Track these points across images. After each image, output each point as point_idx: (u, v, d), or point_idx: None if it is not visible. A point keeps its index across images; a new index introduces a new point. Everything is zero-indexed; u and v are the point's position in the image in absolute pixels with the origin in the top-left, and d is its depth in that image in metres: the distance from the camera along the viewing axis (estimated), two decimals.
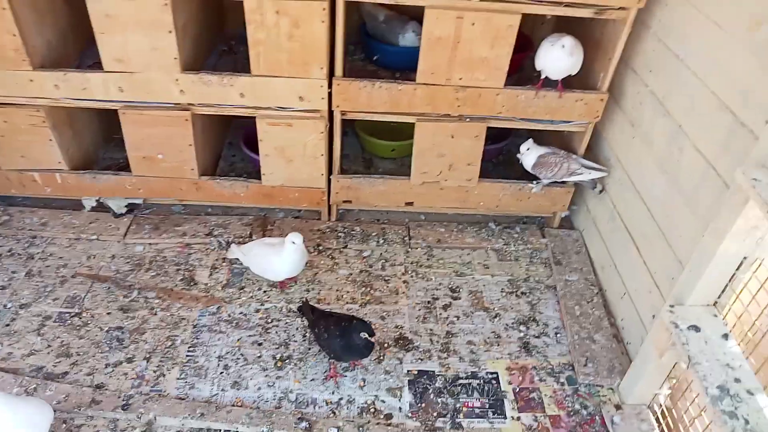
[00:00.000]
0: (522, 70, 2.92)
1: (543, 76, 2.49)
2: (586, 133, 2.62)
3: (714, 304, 1.85)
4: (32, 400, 1.75)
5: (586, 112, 2.53)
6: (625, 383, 2.13)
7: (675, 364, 1.95)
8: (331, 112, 2.52)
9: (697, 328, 1.77)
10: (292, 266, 2.35)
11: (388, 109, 2.51)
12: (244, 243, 2.54)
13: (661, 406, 2.04)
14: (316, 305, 2.30)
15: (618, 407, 2.10)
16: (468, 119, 2.55)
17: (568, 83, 2.51)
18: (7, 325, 2.25)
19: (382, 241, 2.78)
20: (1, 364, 2.11)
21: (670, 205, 2.12)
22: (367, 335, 1.98)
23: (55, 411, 1.95)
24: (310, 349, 2.25)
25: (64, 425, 1.92)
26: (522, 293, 2.57)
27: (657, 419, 2.04)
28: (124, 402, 2.00)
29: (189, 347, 2.23)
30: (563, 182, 2.74)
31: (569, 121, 2.58)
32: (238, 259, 2.50)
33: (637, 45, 2.41)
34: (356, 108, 2.51)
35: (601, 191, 2.67)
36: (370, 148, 3.18)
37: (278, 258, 2.32)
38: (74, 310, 2.33)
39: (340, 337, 2.03)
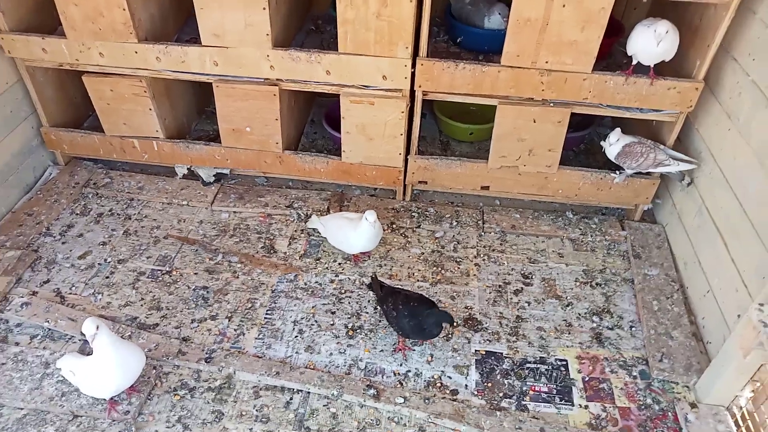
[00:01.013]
0: (611, 56, 2.83)
1: (634, 62, 2.41)
2: (677, 123, 2.51)
3: None
4: (130, 345, 1.91)
5: (679, 101, 2.43)
6: (703, 382, 2.05)
7: (760, 366, 1.87)
8: (412, 92, 2.55)
9: None
10: (366, 242, 2.41)
11: (471, 90, 2.51)
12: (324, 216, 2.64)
13: (741, 408, 1.96)
14: (385, 281, 2.35)
15: (693, 406, 2.03)
16: (552, 104, 2.51)
17: (661, 70, 2.42)
18: (107, 277, 2.45)
19: (455, 224, 2.79)
20: (102, 312, 2.30)
21: (766, 201, 2.01)
22: (448, 325, 2.03)
23: (146, 357, 2.12)
24: (380, 321, 2.31)
25: (154, 371, 2.08)
26: (597, 284, 2.52)
27: (736, 422, 1.96)
28: (207, 355, 2.14)
29: (267, 310, 2.35)
30: (648, 173, 2.65)
31: (660, 110, 2.49)
32: (316, 229, 2.59)
33: (739, 31, 2.28)
34: (438, 89, 2.53)
35: (689, 184, 2.56)
36: (448, 131, 3.19)
37: (354, 232, 2.39)
38: (165, 268, 2.50)
39: (410, 317, 2.08)
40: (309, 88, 2.59)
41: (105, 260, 2.52)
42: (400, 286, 2.30)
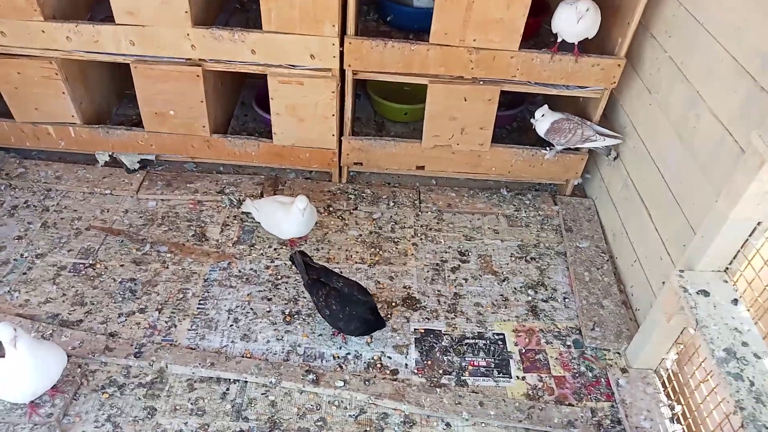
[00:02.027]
0: (539, 35, 2.87)
1: (559, 40, 2.45)
2: (601, 99, 2.58)
3: (725, 270, 1.84)
4: (48, 344, 1.79)
5: (603, 78, 2.49)
6: (632, 347, 2.14)
7: (683, 329, 1.96)
8: (342, 72, 2.50)
9: (706, 293, 1.77)
10: (299, 227, 2.36)
11: (401, 69, 2.48)
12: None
13: (667, 370, 2.05)
14: (312, 262, 2.20)
15: (624, 371, 2.11)
16: (482, 82, 2.52)
17: (585, 48, 2.47)
18: (24, 273, 2.29)
19: (392, 204, 2.78)
20: (19, 311, 2.15)
21: (685, 172, 2.10)
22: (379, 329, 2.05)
23: (69, 356, 2.00)
24: None
25: (79, 369, 1.97)
26: (531, 258, 2.57)
27: (663, 383, 2.05)
28: (137, 350, 2.05)
29: (200, 300, 2.26)
30: (577, 149, 2.72)
31: (585, 87, 2.54)
32: (250, 213, 2.52)
33: (656, 9, 2.35)
34: (368, 68, 2.48)
35: (615, 158, 2.64)
36: (382, 111, 3.16)
37: (286, 217, 2.33)
38: (88, 261, 2.36)
39: (343, 321, 2.03)
40: (234, 68, 2.49)
41: (21, 255, 2.36)
42: (325, 269, 2.17)
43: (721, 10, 1.95)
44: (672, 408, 1.97)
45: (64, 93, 2.54)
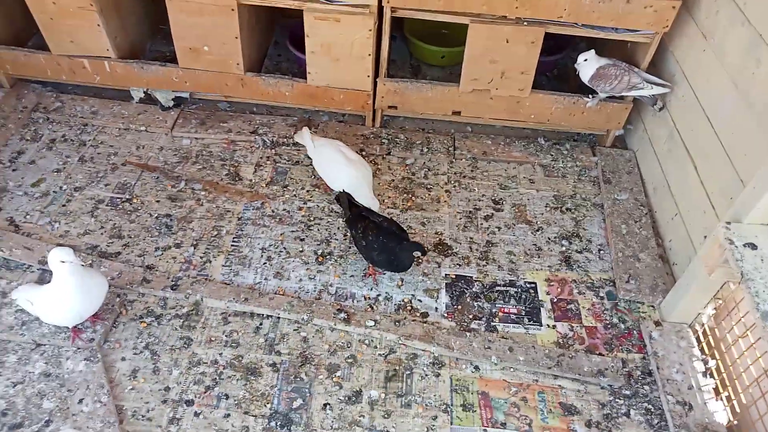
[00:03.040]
0: None
1: None
2: (651, 44, 2.45)
3: None
4: (92, 271, 1.84)
5: (655, 21, 2.36)
6: (668, 301, 2.11)
7: (723, 284, 1.91)
8: (380, 9, 2.42)
9: (753, 246, 1.71)
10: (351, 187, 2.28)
11: (442, 7, 2.39)
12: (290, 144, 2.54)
13: (703, 325, 2.02)
14: (355, 202, 2.23)
15: (658, 324, 2.08)
16: (525, 23, 2.42)
17: None
18: (63, 205, 2.33)
19: (426, 150, 2.73)
20: (60, 240, 2.20)
21: (738, 122, 2.00)
22: (420, 254, 2.01)
23: (109, 286, 2.05)
24: (350, 248, 2.28)
25: (118, 299, 2.02)
26: (567, 209, 2.52)
27: (697, 338, 2.02)
28: (173, 283, 2.09)
29: (234, 238, 2.29)
30: (621, 98, 2.61)
31: (635, 30, 2.42)
32: (300, 143, 2.51)
33: None
34: (407, 5, 2.40)
35: (661, 108, 2.53)
36: (418, 54, 3.07)
37: (347, 177, 2.26)
38: (125, 195, 2.39)
39: (379, 251, 2.03)
40: (270, 2, 2.43)
41: (60, 188, 2.40)
42: (367, 208, 2.21)
43: None
44: (705, 362, 1.95)
45: (99, 25, 2.52)
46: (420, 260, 2.24)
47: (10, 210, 2.29)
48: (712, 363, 1.94)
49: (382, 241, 2.04)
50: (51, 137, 2.59)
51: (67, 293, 1.72)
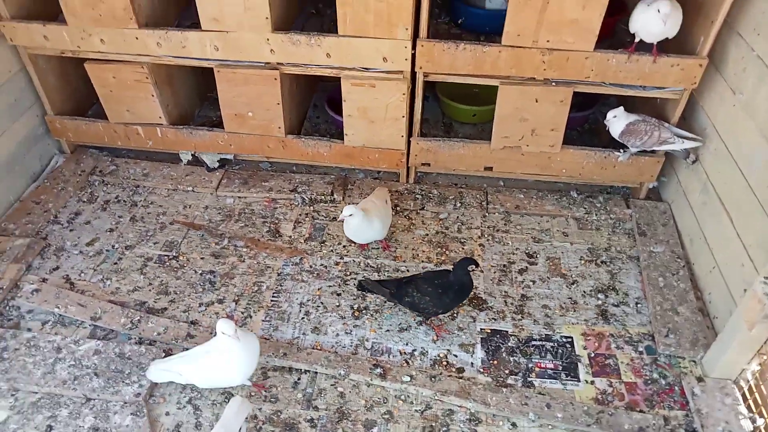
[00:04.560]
0: (615, 35, 2.82)
1: (637, 40, 2.39)
2: (681, 100, 2.50)
3: None
4: (250, 335, 1.93)
5: (683, 78, 2.42)
6: (710, 356, 2.06)
7: (767, 339, 1.87)
8: (413, 74, 2.55)
9: None
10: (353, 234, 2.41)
11: (472, 71, 2.50)
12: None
13: (748, 382, 1.96)
14: (380, 280, 2.28)
15: (700, 379, 2.04)
16: (554, 83, 2.50)
17: (664, 47, 2.40)
18: (115, 263, 2.47)
19: (459, 205, 2.79)
20: (111, 297, 2.33)
21: None
22: (474, 267, 2.09)
23: (155, 341, 2.15)
24: (385, 302, 2.33)
25: (164, 354, 2.10)
26: (602, 262, 2.52)
27: (743, 395, 1.96)
28: None
29: (273, 293, 2.37)
30: (653, 152, 2.64)
31: (663, 87, 2.47)
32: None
33: (744, 6, 2.25)
34: (439, 70, 2.52)
35: (694, 162, 2.54)
36: (450, 113, 3.18)
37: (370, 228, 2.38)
38: (172, 253, 2.52)
39: (443, 290, 2.09)
40: (310, 71, 2.59)
41: (113, 246, 2.54)
42: (397, 278, 2.25)
43: None
44: (753, 421, 1.89)
45: (153, 96, 2.72)
46: (475, 270, 2.21)
47: (66, 268, 2.44)
48: (760, 421, 1.87)
49: (436, 283, 2.10)
50: (105, 198, 2.77)
51: (230, 359, 1.85)
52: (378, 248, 2.56)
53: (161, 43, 2.55)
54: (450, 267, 2.38)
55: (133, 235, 2.60)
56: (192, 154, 2.93)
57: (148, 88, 2.70)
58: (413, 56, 2.47)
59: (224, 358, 1.85)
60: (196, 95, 3.14)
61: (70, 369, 2.03)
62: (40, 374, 2.01)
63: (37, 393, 1.99)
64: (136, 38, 2.55)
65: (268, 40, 2.48)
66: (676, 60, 2.37)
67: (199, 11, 2.44)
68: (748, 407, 1.93)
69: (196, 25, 2.52)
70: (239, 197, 2.81)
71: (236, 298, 2.34)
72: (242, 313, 2.29)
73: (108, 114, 2.83)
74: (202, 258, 2.50)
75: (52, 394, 1.98)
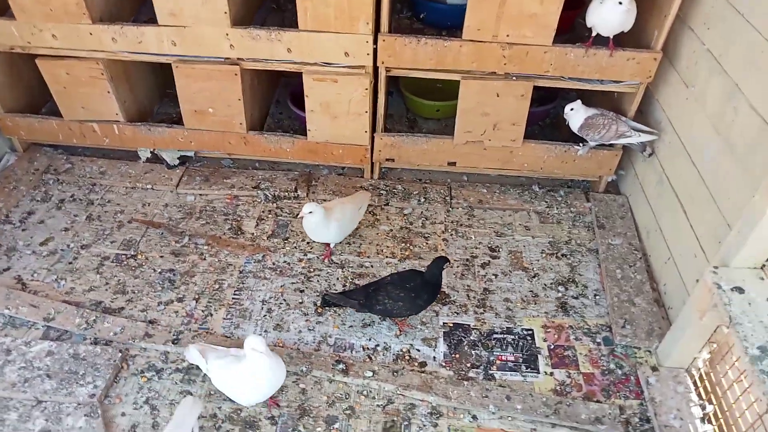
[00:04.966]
0: (573, 30, 2.84)
1: (594, 34, 2.43)
2: (637, 94, 2.54)
3: (762, 267, 1.79)
4: (277, 357, 1.86)
5: (638, 72, 2.46)
6: (664, 346, 2.11)
7: (716, 328, 1.92)
8: (376, 69, 2.54)
9: (741, 290, 1.73)
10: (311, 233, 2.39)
11: (434, 66, 2.50)
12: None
13: (699, 370, 2.01)
14: (343, 292, 2.25)
15: (655, 369, 2.08)
16: (514, 77, 2.52)
17: (620, 42, 2.44)
18: (70, 263, 2.41)
19: (423, 200, 2.80)
20: (66, 297, 2.27)
21: (721, 167, 2.06)
22: (448, 265, 2.12)
23: (111, 341, 2.10)
24: None
25: (120, 354, 2.06)
26: (562, 255, 2.55)
27: (694, 383, 2.01)
28: (175, 337, 2.13)
29: (235, 291, 2.34)
30: (611, 145, 2.68)
31: (620, 81, 2.51)
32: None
33: (695, 1, 2.30)
34: (401, 65, 2.52)
35: (650, 155, 2.60)
36: (414, 108, 3.18)
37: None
38: (130, 252, 2.47)
39: (414, 292, 2.09)
40: (271, 66, 2.56)
41: (68, 246, 2.48)
42: (363, 285, 2.24)
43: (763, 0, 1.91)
44: (703, 408, 1.93)
45: (109, 92, 2.66)
46: (448, 267, 2.21)
47: (18, 269, 2.37)
48: (709, 408, 1.92)
49: (408, 286, 2.10)
50: (60, 197, 2.70)
51: (257, 376, 1.80)
52: (341, 244, 2.55)
53: (116, 38, 2.49)
54: (415, 266, 2.40)
55: (89, 234, 2.54)
56: (151, 152, 2.88)
57: (104, 85, 2.64)
58: (375, 51, 2.46)
59: (249, 372, 1.79)
60: (154, 91, 3.08)
61: (20, 371, 1.97)
62: None
63: None
64: (90, 33, 2.48)
65: (227, 35, 2.45)
66: (632, 54, 2.41)
67: (156, 6, 2.39)
68: (699, 394, 1.98)
69: (153, 20, 2.47)
70: (200, 194, 2.76)
71: (197, 297, 2.31)
72: (203, 311, 2.26)
73: (62, 111, 2.76)
74: (161, 256, 2.46)
75: (0, 397, 1.92)
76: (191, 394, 1.98)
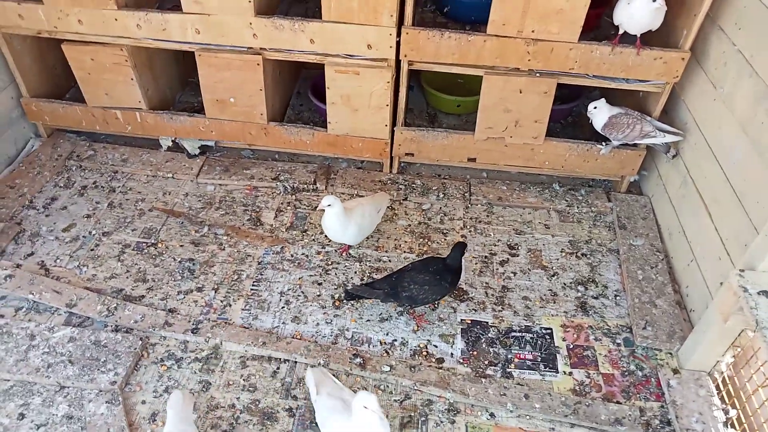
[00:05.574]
0: (599, 28, 2.81)
1: (621, 32, 2.39)
2: (663, 93, 2.51)
3: None
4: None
5: (665, 72, 2.43)
6: (685, 348, 2.09)
7: (741, 332, 1.90)
8: (398, 62, 2.53)
9: None
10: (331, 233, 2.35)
11: (456, 60, 2.48)
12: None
13: (722, 373, 1.99)
14: (366, 283, 2.25)
15: (676, 371, 2.06)
16: (538, 74, 2.50)
17: (647, 41, 2.41)
18: (92, 250, 2.43)
19: (442, 196, 2.79)
20: (87, 284, 2.29)
21: (749, 169, 2.02)
22: (465, 249, 2.13)
23: (132, 329, 2.12)
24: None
25: (140, 342, 2.08)
26: (582, 254, 2.53)
27: (717, 387, 1.99)
28: (194, 326, 2.14)
29: (254, 282, 2.34)
30: (635, 145, 2.65)
31: (646, 81, 2.48)
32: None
33: (726, 0, 2.26)
34: (424, 58, 2.50)
35: (674, 156, 2.56)
36: (435, 103, 3.16)
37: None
38: (151, 240, 2.48)
39: (440, 274, 2.09)
40: (293, 57, 2.55)
41: (89, 233, 2.50)
42: (385, 276, 2.22)
43: None
44: (726, 412, 1.91)
45: (132, 79, 2.67)
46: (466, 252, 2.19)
47: (41, 254, 2.39)
48: (732, 413, 1.90)
49: (431, 270, 2.10)
50: (83, 184, 2.72)
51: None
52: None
53: (141, 25, 2.50)
54: (432, 256, 2.40)
55: (110, 222, 2.55)
56: (172, 140, 2.88)
57: (128, 72, 2.64)
58: (398, 44, 2.45)
59: (357, 430, 1.67)
60: (176, 80, 3.09)
61: (43, 356, 1.99)
62: (12, 362, 1.98)
63: (9, 381, 1.95)
64: (116, 19, 2.49)
65: (250, 24, 2.44)
66: (659, 53, 2.38)
67: None
68: (722, 398, 1.96)
69: (177, 7, 2.47)
70: (220, 185, 2.77)
71: (215, 287, 2.32)
72: (221, 301, 2.26)
73: (86, 97, 2.77)
74: (181, 245, 2.47)
75: (25, 381, 1.95)
76: (210, 384, 1.99)
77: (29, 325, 2.09)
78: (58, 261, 2.37)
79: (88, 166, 2.80)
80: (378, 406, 1.64)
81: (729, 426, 1.89)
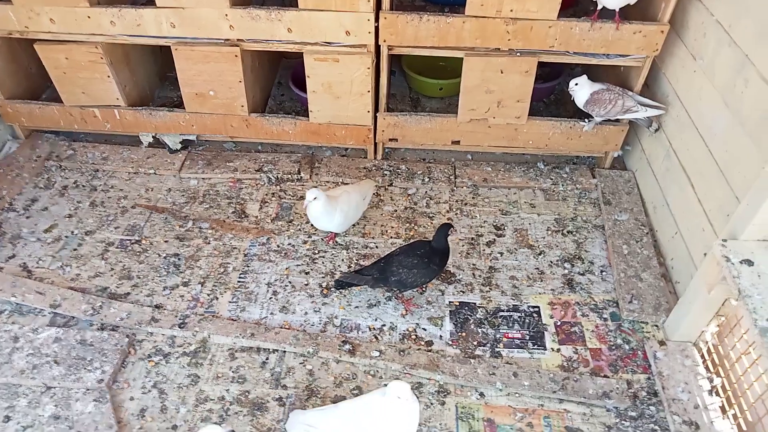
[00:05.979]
0: (577, 5, 2.80)
1: (599, 7, 2.38)
2: (643, 67, 2.50)
3: None
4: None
5: (645, 45, 2.42)
6: (671, 320, 2.10)
7: (724, 301, 1.91)
8: (378, 48, 2.50)
9: (750, 262, 1.71)
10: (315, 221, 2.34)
11: (436, 43, 2.46)
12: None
13: (707, 343, 2.01)
14: (355, 270, 2.22)
15: (662, 343, 2.07)
16: (518, 53, 2.48)
17: (626, 15, 2.39)
18: (75, 249, 2.41)
19: (427, 180, 2.78)
20: (71, 284, 2.27)
21: (731, 140, 2.02)
22: (452, 230, 2.12)
23: (118, 327, 2.11)
24: None
25: (127, 339, 2.07)
26: (568, 232, 2.54)
27: (702, 356, 2.01)
28: (181, 321, 2.13)
29: (240, 274, 2.34)
30: (617, 120, 2.65)
31: (626, 55, 2.47)
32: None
33: None
34: (403, 42, 2.48)
35: (657, 130, 2.56)
36: (417, 87, 3.15)
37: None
38: (134, 237, 2.47)
39: (428, 257, 2.09)
40: (271, 47, 2.53)
41: (72, 233, 2.48)
42: (374, 263, 2.21)
43: None
44: (711, 380, 1.93)
45: (109, 77, 2.64)
46: (453, 233, 2.15)
47: (23, 256, 2.37)
48: (717, 381, 1.92)
49: (419, 253, 2.10)
50: (63, 184, 2.69)
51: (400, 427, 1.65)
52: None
53: (115, 21, 2.46)
54: (419, 240, 2.39)
55: (93, 221, 2.53)
56: (153, 136, 2.86)
57: (104, 69, 2.61)
58: (377, 29, 2.43)
59: (393, 424, 1.64)
60: (155, 75, 3.06)
61: (28, 358, 1.98)
62: None
63: None
64: (88, 17, 2.45)
65: (226, 15, 2.41)
66: (639, 27, 2.37)
67: None
68: (707, 367, 1.98)
69: (152, 2, 2.44)
70: (203, 178, 2.75)
71: (202, 281, 2.31)
72: (208, 295, 2.26)
73: (62, 97, 2.74)
74: (165, 241, 2.46)
75: (9, 384, 1.94)
76: (199, 378, 1.99)
77: (12, 327, 2.08)
78: (40, 262, 2.35)
79: (68, 165, 2.78)
80: (411, 394, 1.62)
81: (714, 394, 1.90)
